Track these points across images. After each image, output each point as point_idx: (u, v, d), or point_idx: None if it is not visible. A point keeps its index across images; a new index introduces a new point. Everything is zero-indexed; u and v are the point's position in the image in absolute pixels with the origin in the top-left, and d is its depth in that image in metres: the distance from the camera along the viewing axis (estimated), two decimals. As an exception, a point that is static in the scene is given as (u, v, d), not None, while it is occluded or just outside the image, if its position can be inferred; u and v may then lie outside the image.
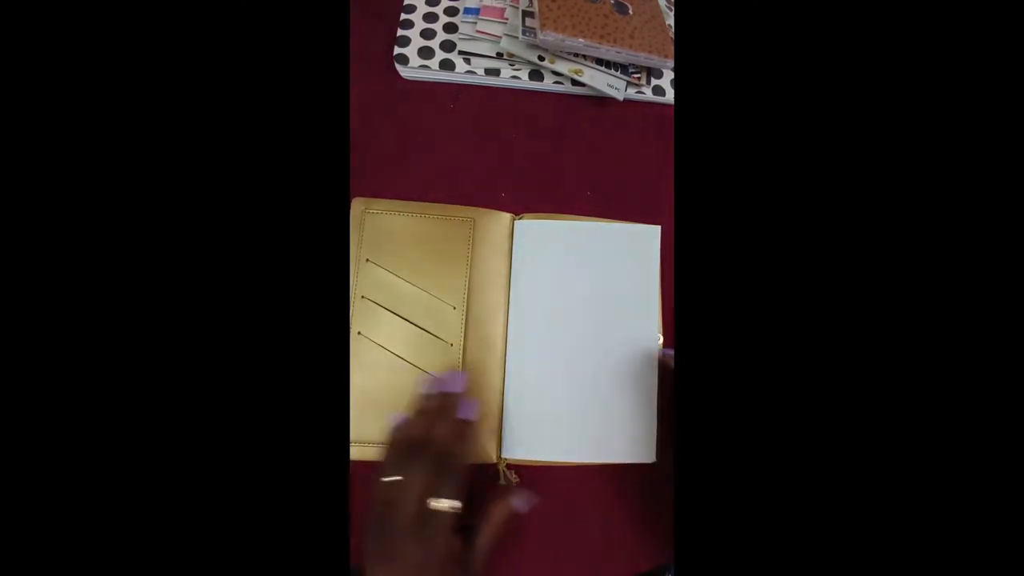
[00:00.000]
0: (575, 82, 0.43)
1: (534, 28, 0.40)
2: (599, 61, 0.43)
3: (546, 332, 0.38)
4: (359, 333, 0.36)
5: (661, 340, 0.39)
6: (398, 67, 0.42)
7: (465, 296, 0.38)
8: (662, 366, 0.36)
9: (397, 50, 0.43)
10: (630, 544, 0.35)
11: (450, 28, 0.44)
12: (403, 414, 0.32)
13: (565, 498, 0.35)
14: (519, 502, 0.31)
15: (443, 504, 0.27)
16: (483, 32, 0.43)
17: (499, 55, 0.43)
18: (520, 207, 0.40)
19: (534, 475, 0.35)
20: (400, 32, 0.43)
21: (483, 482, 0.35)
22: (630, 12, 0.43)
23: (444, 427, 0.30)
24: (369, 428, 0.34)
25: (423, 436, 0.30)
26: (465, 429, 0.32)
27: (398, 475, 0.28)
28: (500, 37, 0.42)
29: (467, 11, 0.43)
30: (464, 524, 0.28)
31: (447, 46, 0.43)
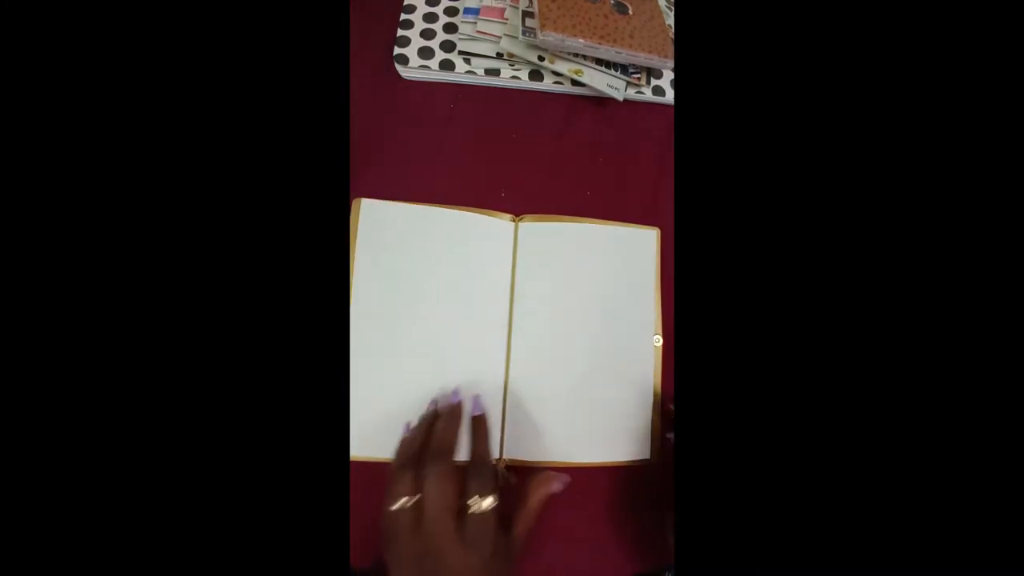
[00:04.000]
0: (575, 82, 0.43)
1: (534, 28, 0.40)
2: (599, 61, 0.43)
3: (547, 333, 0.38)
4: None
5: (661, 341, 0.39)
6: (398, 67, 0.42)
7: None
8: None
9: (397, 50, 0.43)
10: (630, 544, 0.35)
11: (450, 28, 0.44)
12: (406, 425, 0.32)
13: (565, 498, 0.35)
14: (556, 484, 0.30)
15: (483, 504, 0.26)
16: (483, 32, 0.43)
17: (499, 55, 0.43)
18: (520, 207, 0.40)
19: (534, 475, 0.35)
20: (400, 32, 0.43)
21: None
22: (630, 12, 0.43)
23: (450, 428, 0.29)
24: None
25: (433, 442, 0.29)
26: (477, 425, 0.31)
27: (413, 494, 0.26)
28: (500, 37, 0.42)
29: (467, 11, 0.43)
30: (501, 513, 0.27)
31: (447, 46, 0.43)
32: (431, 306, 0.37)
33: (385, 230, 0.38)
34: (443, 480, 0.26)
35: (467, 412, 0.32)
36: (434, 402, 0.34)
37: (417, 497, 0.26)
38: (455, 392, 0.34)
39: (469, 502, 0.26)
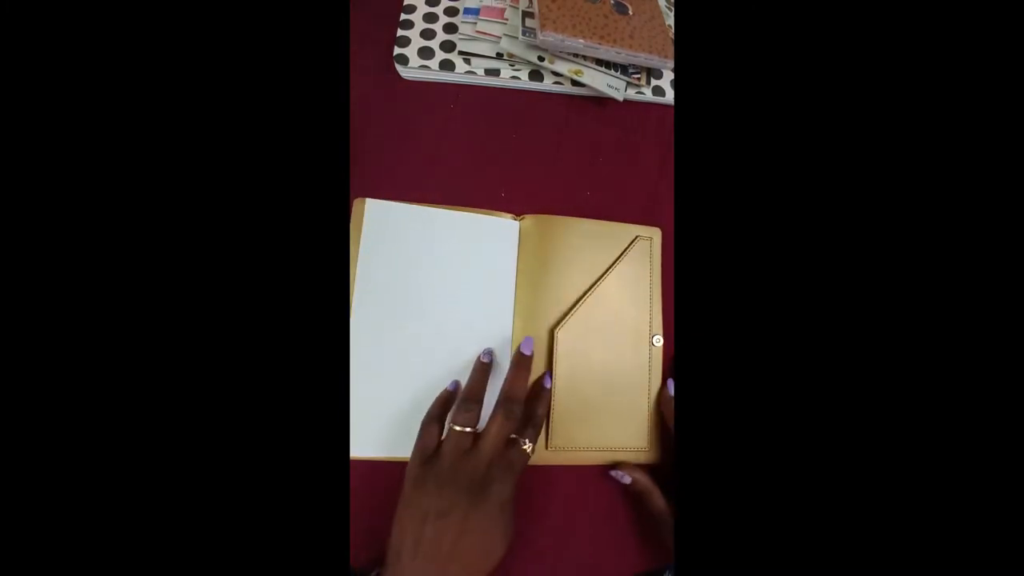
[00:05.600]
0: (575, 82, 0.43)
1: (534, 28, 0.40)
2: (599, 61, 0.43)
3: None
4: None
5: (661, 341, 0.39)
6: (398, 67, 0.42)
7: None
8: None
9: (397, 50, 0.43)
10: (630, 544, 0.35)
11: (450, 28, 0.44)
12: (455, 381, 0.36)
13: (565, 496, 0.35)
14: None
15: (528, 446, 0.32)
16: (483, 32, 0.43)
17: (499, 55, 0.43)
18: (520, 207, 0.40)
19: (534, 474, 0.35)
20: (400, 32, 0.43)
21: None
22: (630, 12, 0.43)
23: (520, 378, 0.34)
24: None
25: (507, 389, 0.34)
26: (538, 390, 0.36)
27: (473, 424, 0.32)
28: (500, 37, 0.42)
29: (467, 11, 0.43)
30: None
31: (447, 46, 0.43)
32: (432, 306, 0.37)
33: (388, 230, 0.38)
34: (507, 422, 0.32)
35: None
36: (488, 353, 0.36)
37: (473, 430, 0.32)
38: (527, 342, 0.37)
39: (522, 439, 0.32)
